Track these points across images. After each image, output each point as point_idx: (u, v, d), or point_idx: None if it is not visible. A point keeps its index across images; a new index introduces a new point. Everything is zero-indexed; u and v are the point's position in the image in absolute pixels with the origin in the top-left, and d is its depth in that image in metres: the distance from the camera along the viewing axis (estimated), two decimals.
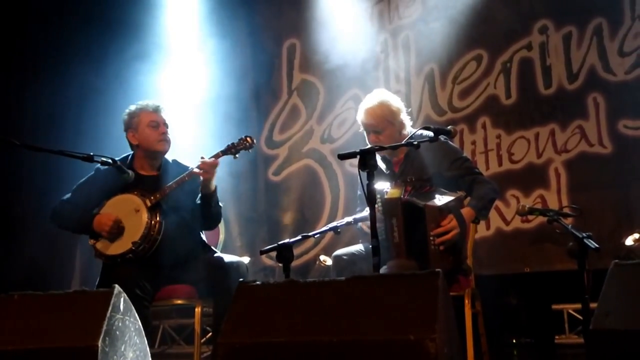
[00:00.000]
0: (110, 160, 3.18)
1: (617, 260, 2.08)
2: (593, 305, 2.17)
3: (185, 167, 3.55)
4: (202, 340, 4.51)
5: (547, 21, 5.04)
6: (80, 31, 5.68)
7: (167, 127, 3.56)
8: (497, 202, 4.59)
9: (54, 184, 4.67)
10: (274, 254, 2.90)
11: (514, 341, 4.83)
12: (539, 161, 4.94)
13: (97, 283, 3.37)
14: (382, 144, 3.13)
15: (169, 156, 3.64)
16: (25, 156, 5.09)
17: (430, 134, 2.98)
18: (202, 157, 3.37)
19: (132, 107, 3.58)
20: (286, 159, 5.80)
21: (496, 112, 5.13)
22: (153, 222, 3.36)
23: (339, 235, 3.29)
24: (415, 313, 1.85)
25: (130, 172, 3.28)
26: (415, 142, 2.90)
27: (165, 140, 3.54)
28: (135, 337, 2.33)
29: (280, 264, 2.86)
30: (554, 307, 4.83)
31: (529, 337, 4.83)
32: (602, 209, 4.64)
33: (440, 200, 3.02)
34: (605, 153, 4.77)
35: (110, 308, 2.20)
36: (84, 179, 3.57)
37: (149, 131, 3.52)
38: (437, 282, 1.92)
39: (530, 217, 4.40)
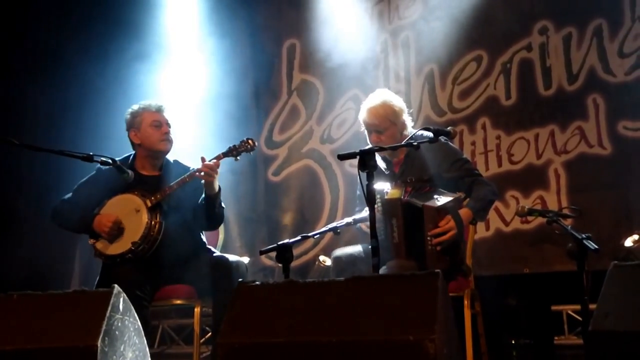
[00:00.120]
0: (110, 160, 3.18)
1: (616, 262, 2.09)
2: (592, 306, 2.17)
3: (187, 168, 3.55)
4: (202, 341, 4.52)
5: (547, 22, 5.04)
6: (80, 31, 5.68)
7: (170, 127, 3.57)
8: (497, 203, 4.59)
9: (54, 183, 4.68)
10: (273, 254, 2.90)
11: (513, 342, 4.82)
12: (538, 162, 4.93)
13: (96, 283, 3.37)
14: (384, 143, 3.13)
15: (170, 156, 3.64)
16: (25, 156, 5.10)
17: (430, 134, 2.98)
18: (203, 158, 3.37)
19: (135, 107, 3.59)
20: (286, 159, 5.80)
21: (496, 112, 5.13)
22: (153, 222, 3.36)
23: (339, 236, 3.28)
24: (414, 313, 1.86)
25: (129, 172, 3.27)
26: (415, 143, 2.90)
27: (167, 140, 3.54)
28: (135, 337, 2.33)
29: (280, 264, 2.86)
30: (554, 308, 4.82)
31: (528, 338, 4.82)
32: (602, 210, 4.63)
33: (439, 200, 3.02)
34: (604, 154, 4.77)
35: (109, 308, 2.20)
36: (85, 179, 3.58)
37: (151, 131, 3.52)
38: (437, 283, 1.92)
39: (529, 218, 4.38)
